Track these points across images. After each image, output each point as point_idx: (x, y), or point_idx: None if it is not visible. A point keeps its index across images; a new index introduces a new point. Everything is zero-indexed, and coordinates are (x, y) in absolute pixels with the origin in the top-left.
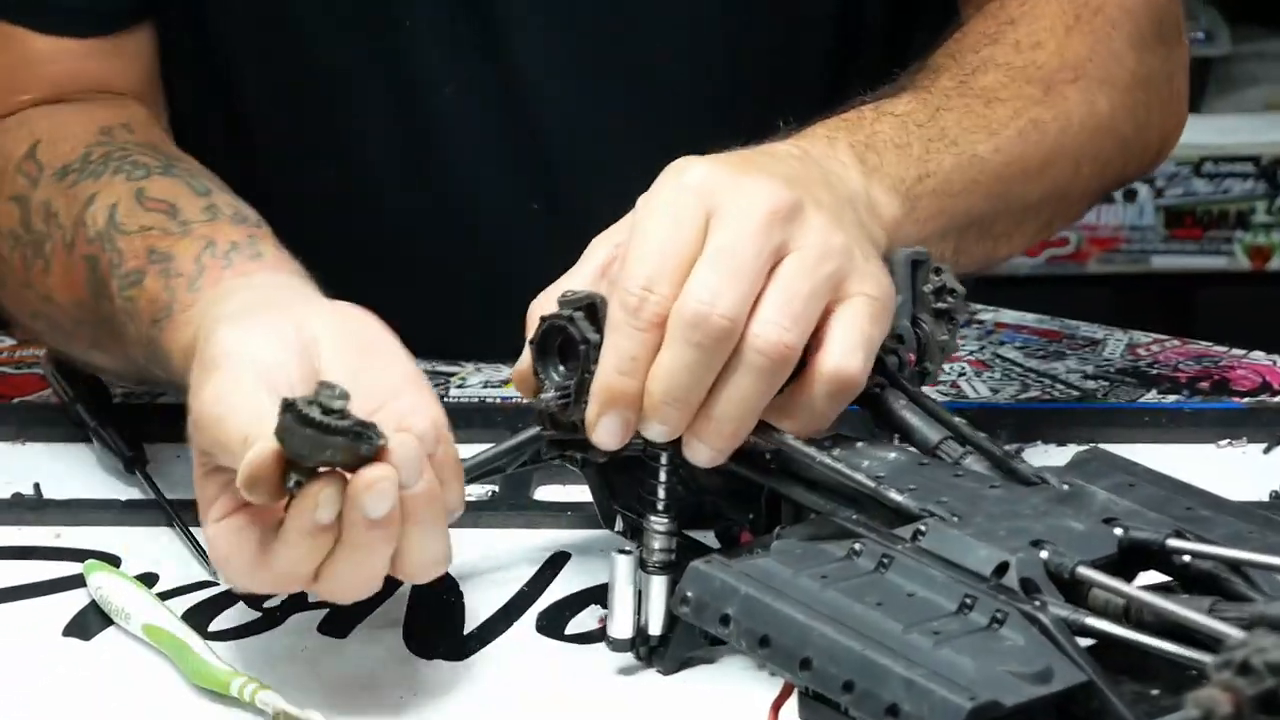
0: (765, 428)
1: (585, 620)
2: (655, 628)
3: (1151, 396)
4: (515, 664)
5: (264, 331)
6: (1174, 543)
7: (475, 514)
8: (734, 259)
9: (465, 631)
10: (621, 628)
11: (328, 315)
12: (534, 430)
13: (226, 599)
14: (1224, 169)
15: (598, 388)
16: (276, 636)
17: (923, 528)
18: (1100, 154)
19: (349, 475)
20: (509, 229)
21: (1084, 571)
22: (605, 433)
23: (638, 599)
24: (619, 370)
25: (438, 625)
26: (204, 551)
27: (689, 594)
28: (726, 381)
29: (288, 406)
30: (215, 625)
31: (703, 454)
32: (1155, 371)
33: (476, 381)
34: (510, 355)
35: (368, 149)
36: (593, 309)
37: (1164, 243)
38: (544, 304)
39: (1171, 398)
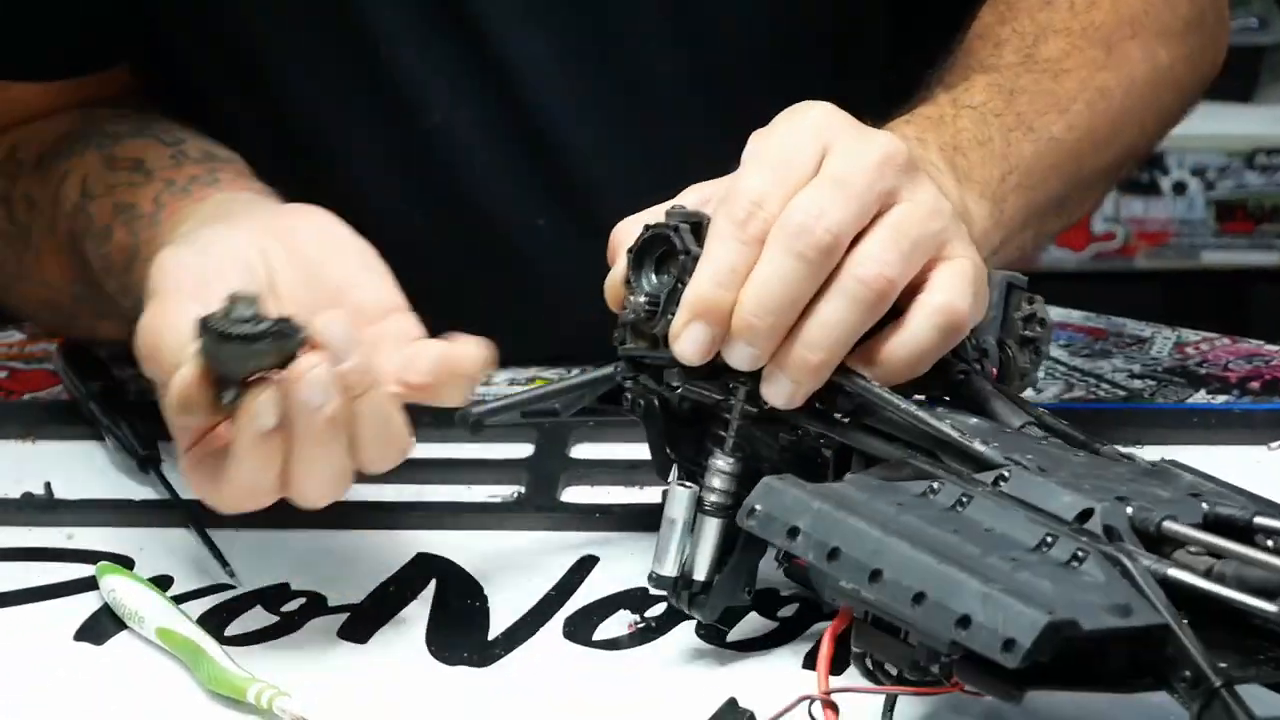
0: (848, 371)
1: (614, 626)
2: (700, 573)
3: (1200, 396)
4: (542, 671)
5: (203, 246)
6: (1261, 520)
7: (500, 515)
8: (846, 186)
9: (490, 637)
10: (668, 565)
11: (279, 219)
12: (599, 371)
13: (244, 603)
14: (1277, 161)
15: (690, 296)
16: (295, 641)
17: (1005, 474)
18: (1163, 106)
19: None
20: (518, 244)
21: (1171, 526)
22: (689, 343)
23: (686, 538)
24: (715, 280)
25: (462, 630)
26: (221, 554)
27: (757, 507)
28: (820, 307)
29: (204, 327)
30: (232, 630)
31: (783, 388)
32: (1204, 371)
33: (502, 379)
34: (529, 364)
35: (364, 177)
36: (699, 227)
37: (1215, 237)
38: (627, 228)
39: (1221, 398)
